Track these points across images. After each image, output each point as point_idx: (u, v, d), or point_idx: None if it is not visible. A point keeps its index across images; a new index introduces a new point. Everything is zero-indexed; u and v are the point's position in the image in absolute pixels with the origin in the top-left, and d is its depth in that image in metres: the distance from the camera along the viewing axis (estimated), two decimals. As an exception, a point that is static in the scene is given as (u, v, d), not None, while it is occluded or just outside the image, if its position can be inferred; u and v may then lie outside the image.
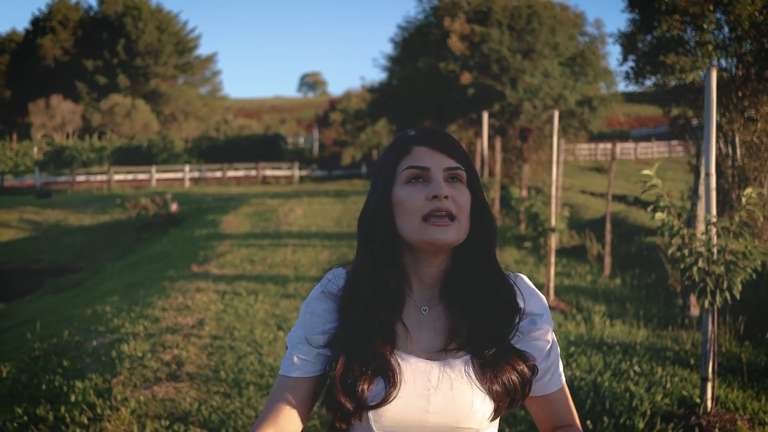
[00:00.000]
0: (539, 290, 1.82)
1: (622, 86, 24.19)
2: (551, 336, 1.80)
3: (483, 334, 1.72)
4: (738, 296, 4.79)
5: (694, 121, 14.09)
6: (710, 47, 12.14)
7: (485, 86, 26.21)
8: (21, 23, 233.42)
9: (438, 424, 1.68)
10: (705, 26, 12.08)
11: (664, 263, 9.03)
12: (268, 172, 44.09)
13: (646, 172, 4.84)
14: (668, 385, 5.72)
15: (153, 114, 65.45)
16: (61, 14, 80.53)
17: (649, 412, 5.16)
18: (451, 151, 1.76)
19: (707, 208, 4.95)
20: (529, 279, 1.75)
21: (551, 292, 8.94)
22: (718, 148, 13.39)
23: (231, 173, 43.28)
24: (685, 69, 12.16)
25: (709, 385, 5.00)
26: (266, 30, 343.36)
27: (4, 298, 17.71)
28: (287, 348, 1.81)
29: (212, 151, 51.26)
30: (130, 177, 41.40)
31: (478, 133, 24.36)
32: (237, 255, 13.87)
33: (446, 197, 1.69)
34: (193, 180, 42.61)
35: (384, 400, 1.67)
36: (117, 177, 40.52)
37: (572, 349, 6.90)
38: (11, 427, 5.53)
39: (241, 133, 58.32)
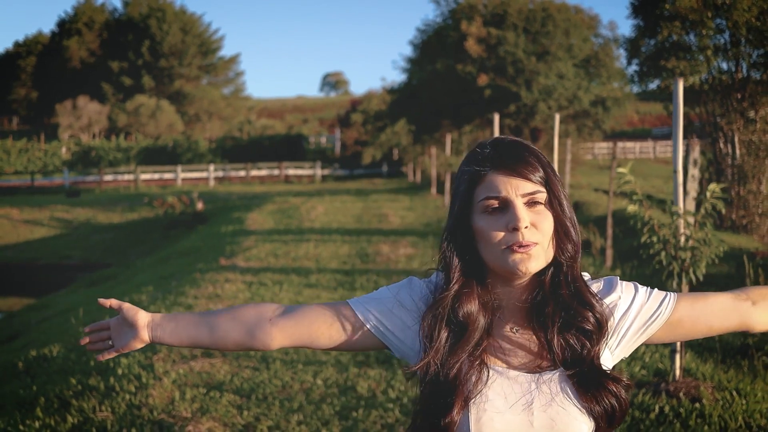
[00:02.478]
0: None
1: (631, 88, 24.85)
2: (645, 299, 1.79)
3: (574, 356, 1.71)
4: (701, 278, 5.51)
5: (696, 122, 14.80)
6: (709, 52, 12.82)
7: (501, 87, 26.96)
8: (47, 25, 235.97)
9: None
10: (704, 32, 12.75)
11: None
12: (291, 172, 44.99)
13: (620, 170, 5.56)
14: (647, 359, 6.44)
15: (177, 114, 66.54)
16: (87, 16, 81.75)
17: (626, 380, 5.87)
18: (529, 172, 1.69)
19: (675, 201, 5.66)
20: None
21: (553, 281, 9.69)
22: (719, 148, 14.06)
23: (254, 172, 44.20)
24: (684, 73, 12.84)
25: (677, 356, 5.72)
26: (289, 30, 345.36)
27: (38, 293, 18.52)
28: (375, 292, 1.86)
29: (236, 150, 52.23)
30: (156, 176, 42.44)
31: (493, 133, 25.13)
32: (262, 249, 14.67)
33: (526, 227, 1.66)
34: (218, 179, 43.54)
35: (475, 393, 1.69)
36: (143, 176, 41.53)
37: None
38: (68, 394, 6.32)
39: (264, 133, 59.23)
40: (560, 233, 1.70)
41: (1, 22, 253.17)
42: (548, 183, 1.70)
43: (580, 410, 1.67)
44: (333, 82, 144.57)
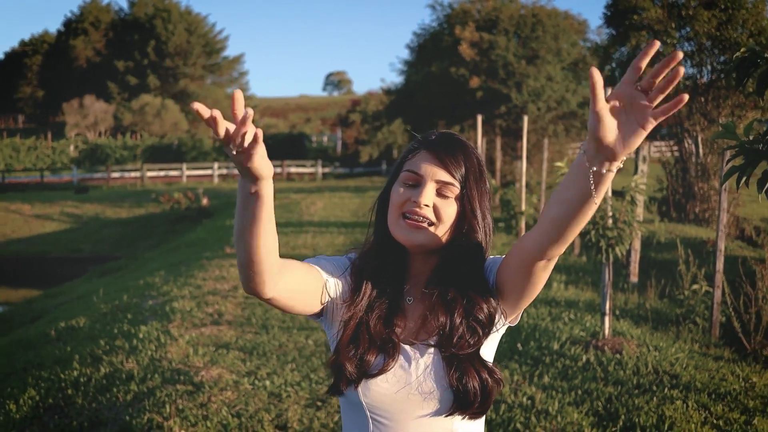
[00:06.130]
0: None
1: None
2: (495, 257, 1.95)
3: (453, 338, 1.82)
4: (623, 254, 6.68)
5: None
6: (673, 59, 13.98)
7: (493, 90, 28.19)
8: (53, 25, 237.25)
9: (420, 402, 1.82)
10: (668, 41, 13.92)
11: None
12: (293, 170, 46.18)
13: (558, 164, 6.73)
14: (588, 324, 7.62)
15: (182, 113, 67.66)
16: (93, 16, 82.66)
17: (565, 339, 7.05)
18: (451, 165, 1.83)
19: (604, 190, 6.82)
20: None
21: (522, 265, 10.90)
22: (684, 147, 15.23)
23: (257, 170, 45.24)
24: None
25: (606, 319, 6.88)
26: (293, 30, 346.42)
27: (50, 284, 19.53)
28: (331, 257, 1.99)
29: (240, 149, 53.31)
30: (162, 174, 43.59)
31: (487, 132, 26.31)
32: (264, 240, 15.83)
33: (426, 205, 1.80)
34: (222, 176, 44.67)
35: (382, 371, 1.81)
36: (149, 174, 42.70)
37: (526, 304, 8.80)
38: (98, 352, 7.49)
39: (267, 132, 60.36)
40: (466, 230, 1.85)
41: (8, 21, 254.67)
42: (466, 182, 1.84)
43: (446, 387, 1.81)
44: (336, 81, 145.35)
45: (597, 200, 1.52)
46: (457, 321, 1.83)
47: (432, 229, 1.81)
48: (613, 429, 4.99)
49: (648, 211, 15.71)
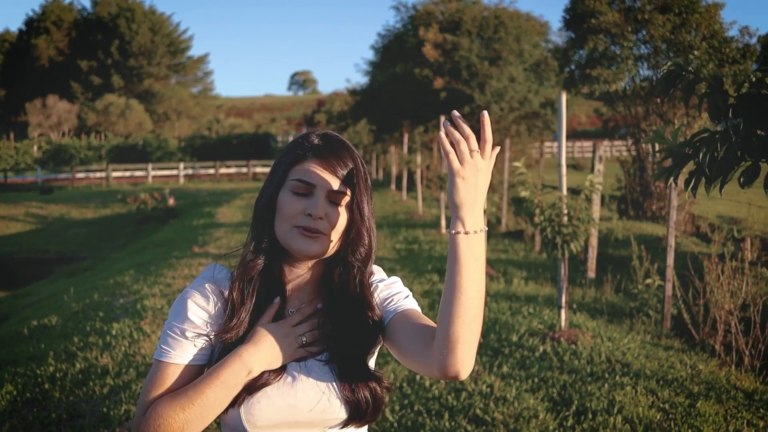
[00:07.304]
0: None
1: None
2: (396, 289, 1.92)
3: (342, 348, 1.80)
4: (578, 250, 7.02)
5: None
6: (630, 61, 14.43)
7: (456, 90, 28.63)
8: (14, 23, 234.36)
9: (309, 421, 1.76)
10: (625, 44, 14.36)
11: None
12: (259, 169, 46.23)
13: (516, 164, 7.06)
14: (546, 317, 7.96)
15: (146, 113, 67.44)
16: (55, 15, 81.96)
17: (523, 331, 7.38)
18: (342, 170, 1.79)
19: (560, 188, 7.17)
20: None
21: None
22: (641, 147, 15.67)
23: (223, 170, 45.38)
24: (608, 80, 14.45)
25: (563, 311, 7.23)
26: (258, 29, 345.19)
27: (17, 285, 19.47)
28: (165, 334, 1.79)
29: (205, 149, 53.41)
30: (127, 174, 43.47)
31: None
32: (231, 239, 16.06)
33: (321, 218, 1.75)
34: (188, 177, 44.63)
35: (263, 385, 1.74)
36: (115, 174, 42.56)
37: (487, 299, 9.12)
38: (73, 348, 7.69)
39: (232, 131, 60.53)
40: (354, 236, 1.82)
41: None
42: (355, 189, 1.80)
43: (338, 398, 1.77)
44: (301, 81, 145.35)
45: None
46: (345, 332, 1.81)
47: (326, 240, 1.78)
48: (567, 413, 5.31)
49: (607, 209, 16.18)
